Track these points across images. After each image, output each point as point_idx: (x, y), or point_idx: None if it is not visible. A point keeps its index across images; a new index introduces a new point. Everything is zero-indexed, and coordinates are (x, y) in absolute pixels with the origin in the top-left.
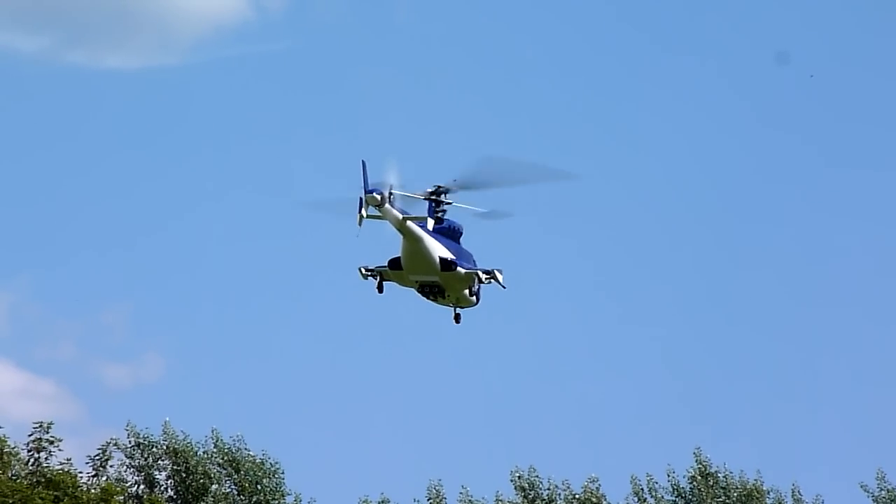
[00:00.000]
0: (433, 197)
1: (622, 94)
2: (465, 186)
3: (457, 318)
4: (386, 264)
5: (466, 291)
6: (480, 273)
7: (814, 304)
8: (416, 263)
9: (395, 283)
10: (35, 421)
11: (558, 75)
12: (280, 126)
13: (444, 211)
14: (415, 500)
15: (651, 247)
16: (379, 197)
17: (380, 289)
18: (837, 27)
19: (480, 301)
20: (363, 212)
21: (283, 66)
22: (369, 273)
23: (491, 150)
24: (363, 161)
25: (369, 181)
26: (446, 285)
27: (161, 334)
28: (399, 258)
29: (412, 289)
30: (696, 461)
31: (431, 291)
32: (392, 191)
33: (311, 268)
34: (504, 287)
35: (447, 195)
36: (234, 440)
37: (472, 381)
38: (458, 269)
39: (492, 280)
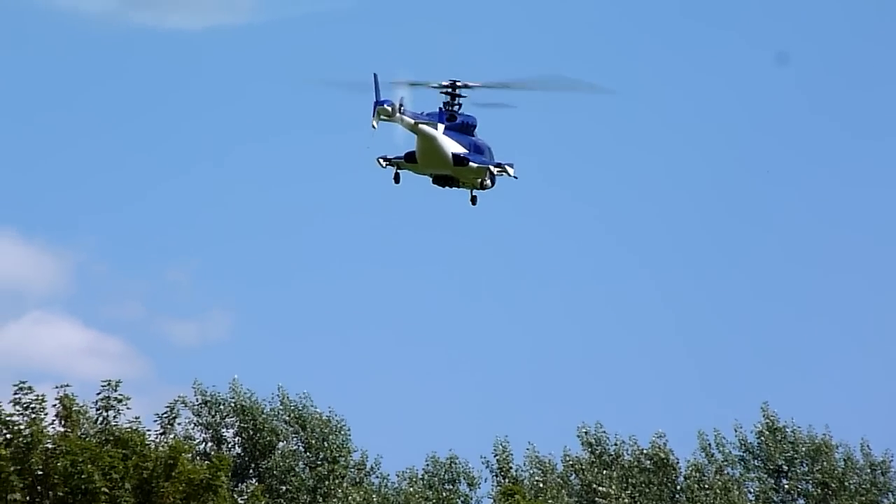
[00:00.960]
0: (447, 90)
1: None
2: (487, 86)
3: (473, 199)
4: (403, 156)
5: (478, 181)
6: (492, 167)
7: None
8: (430, 159)
9: (411, 173)
10: (103, 379)
11: None
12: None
13: (459, 105)
14: (482, 458)
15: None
16: (390, 108)
17: (396, 179)
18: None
19: (496, 184)
20: (374, 122)
21: (346, 24)
22: (387, 162)
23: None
24: (375, 74)
25: (381, 93)
26: (459, 177)
27: (227, 291)
28: (412, 152)
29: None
30: (764, 416)
31: (446, 181)
32: (402, 101)
33: (384, 226)
34: (516, 178)
35: (463, 89)
36: (300, 398)
37: (538, 338)
38: (471, 163)
39: (503, 173)
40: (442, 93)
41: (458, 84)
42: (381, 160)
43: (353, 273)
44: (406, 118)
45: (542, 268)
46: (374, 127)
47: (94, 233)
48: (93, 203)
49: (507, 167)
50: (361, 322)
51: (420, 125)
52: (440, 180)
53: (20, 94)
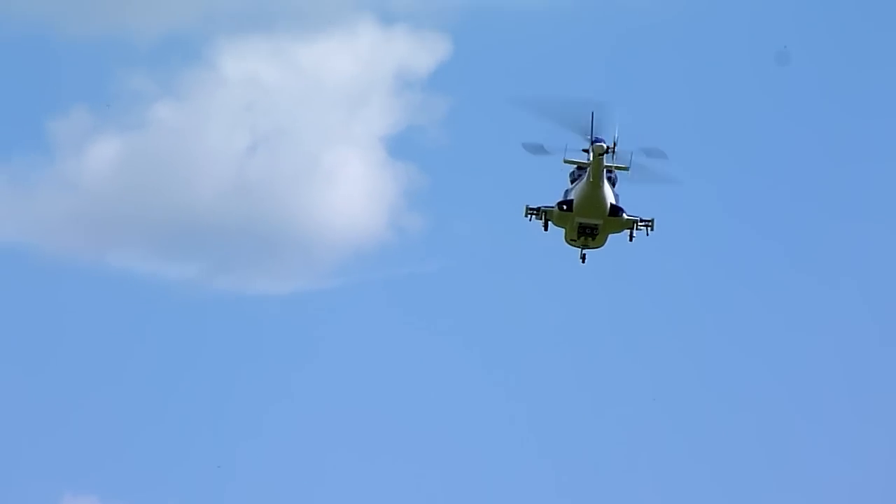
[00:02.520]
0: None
1: None
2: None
3: (583, 258)
4: (556, 204)
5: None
6: (638, 221)
7: None
8: (590, 207)
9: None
10: None
11: None
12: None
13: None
14: None
15: None
16: (605, 147)
17: (546, 227)
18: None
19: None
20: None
21: (425, 286)
22: (532, 212)
23: None
24: (593, 112)
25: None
26: (604, 229)
27: None
28: (569, 200)
29: (562, 228)
30: None
31: (585, 233)
32: (616, 142)
33: None
34: (652, 230)
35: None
36: None
37: None
38: (623, 215)
39: (647, 227)
40: (584, 150)
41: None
42: (528, 207)
43: None
44: (603, 159)
45: None
46: (564, 161)
47: None
48: None
49: (649, 222)
50: None
51: (607, 168)
52: (584, 230)
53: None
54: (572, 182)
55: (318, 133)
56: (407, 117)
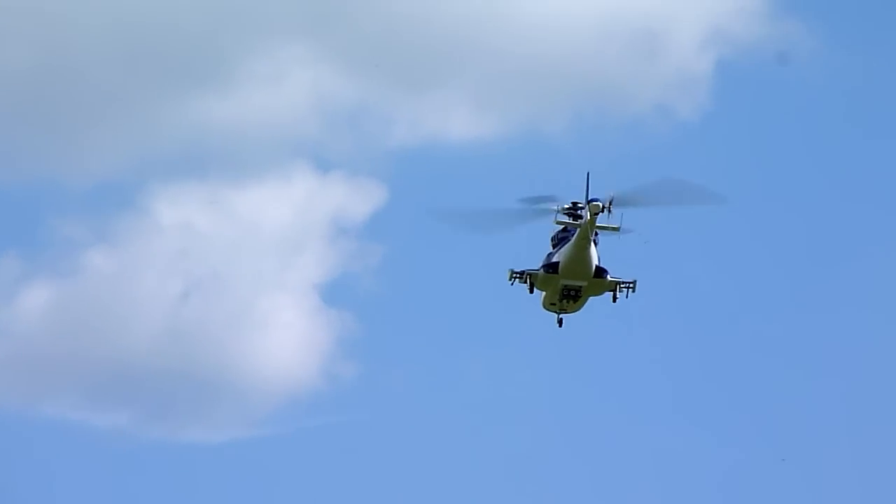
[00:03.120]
0: (570, 211)
1: None
2: (620, 203)
3: (560, 322)
4: (541, 267)
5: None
6: (620, 283)
7: None
8: (576, 268)
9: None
10: None
11: None
12: None
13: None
14: None
15: None
16: (601, 206)
17: (531, 290)
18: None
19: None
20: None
21: (359, 434)
22: (517, 276)
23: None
24: (588, 172)
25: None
26: (587, 291)
27: None
28: (555, 263)
29: (543, 291)
30: None
31: (569, 295)
32: (612, 202)
33: None
34: (633, 291)
35: (581, 210)
36: None
37: None
38: (607, 276)
39: (629, 288)
40: (563, 212)
41: (579, 204)
42: (512, 271)
43: None
44: (595, 220)
45: None
46: (556, 222)
47: None
48: None
49: (632, 284)
50: None
51: (596, 229)
52: (568, 293)
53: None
54: (555, 245)
55: (253, 279)
56: (342, 264)
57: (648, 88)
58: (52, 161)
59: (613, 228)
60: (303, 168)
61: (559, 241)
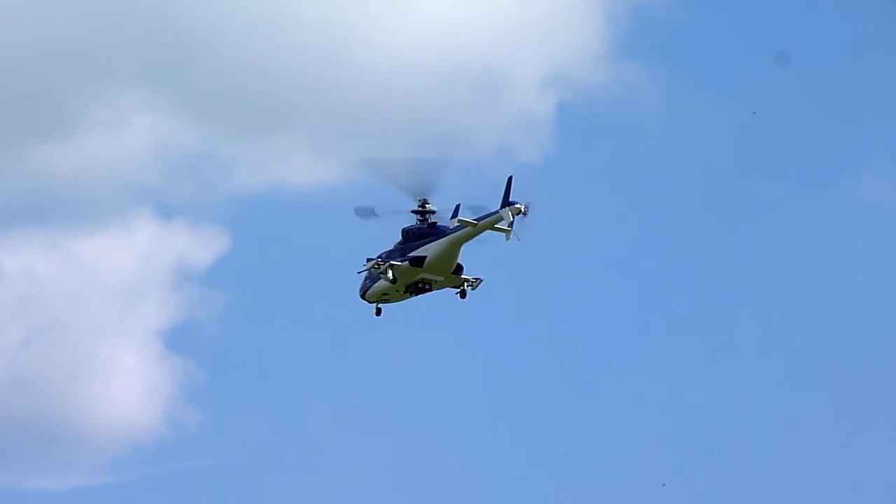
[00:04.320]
0: (420, 209)
1: None
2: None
3: (378, 311)
4: (407, 259)
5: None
6: (470, 280)
7: None
8: (443, 264)
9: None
10: None
11: None
12: None
13: (434, 221)
14: None
15: None
16: (520, 208)
17: (394, 279)
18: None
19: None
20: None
21: (203, 481)
22: (377, 263)
23: None
24: (511, 176)
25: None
26: (440, 284)
27: None
28: (422, 257)
29: (387, 281)
30: None
31: (417, 288)
32: (528, 206)
33: None
34: (474, 289)
35: (429, 203)
36: None
37: None
38: (461, 274)
39: (471, 286)
40: (412, 212)
41: (425, 200)
42: (374, 262)
43: None
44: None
45: None
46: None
47: None
48: None
49: (475, 281)
50: None
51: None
52: (420, 285)
53: None
54: (409, 238)
55: (96, 326)
56: (185, 311)
57: (490, 132)
58: None
59: (507, 231)
60: (145, 215)
61: (415, 235)
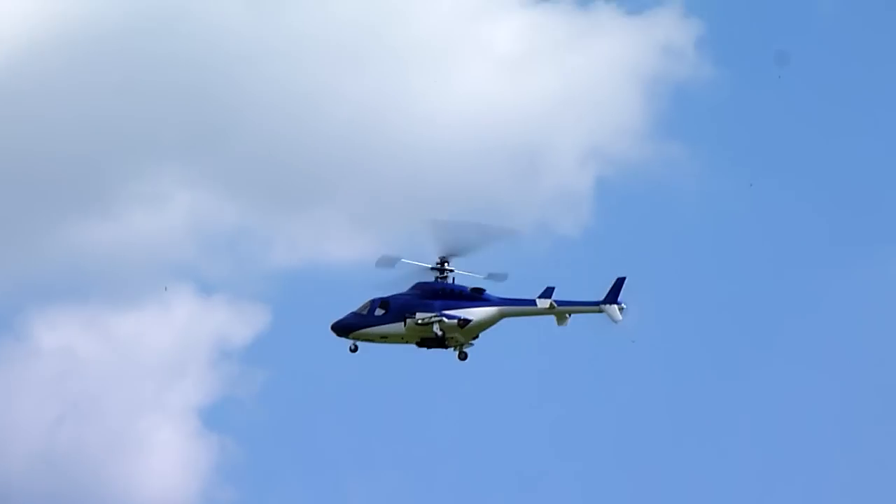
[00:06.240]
0: (439, 266)
1: None
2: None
3: (355, 348)
4: (457, 318)
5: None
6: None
7: None
8: (479, 329)
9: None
10: None
11: None
12: None
13: (448, 278)
14: None
15: None
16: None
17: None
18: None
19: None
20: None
21: None
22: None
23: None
24: (623, 277)
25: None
26: (454, 342)
27: None
28: (466, 319)
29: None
30: None
31: (427, 342)
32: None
33: None
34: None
35: (449, 263)
36: None
37: None
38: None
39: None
40: (432, 269)
41: (445, 258)
42: (431, 317)
43: None
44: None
45: None
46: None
47: None
48: None
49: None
50: None
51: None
52: (424, 342)
53: None
54: (426, 296)
55: (133, 404)
56: (223, 389)
57: (528, 206)
58: None
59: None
60: (184, 291)
61: (443, 294)
